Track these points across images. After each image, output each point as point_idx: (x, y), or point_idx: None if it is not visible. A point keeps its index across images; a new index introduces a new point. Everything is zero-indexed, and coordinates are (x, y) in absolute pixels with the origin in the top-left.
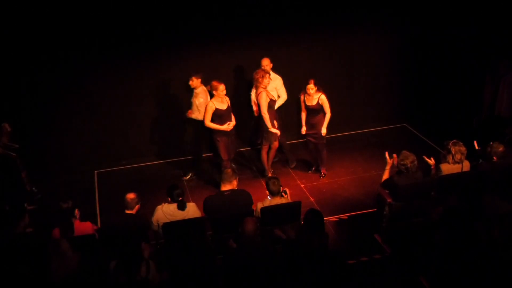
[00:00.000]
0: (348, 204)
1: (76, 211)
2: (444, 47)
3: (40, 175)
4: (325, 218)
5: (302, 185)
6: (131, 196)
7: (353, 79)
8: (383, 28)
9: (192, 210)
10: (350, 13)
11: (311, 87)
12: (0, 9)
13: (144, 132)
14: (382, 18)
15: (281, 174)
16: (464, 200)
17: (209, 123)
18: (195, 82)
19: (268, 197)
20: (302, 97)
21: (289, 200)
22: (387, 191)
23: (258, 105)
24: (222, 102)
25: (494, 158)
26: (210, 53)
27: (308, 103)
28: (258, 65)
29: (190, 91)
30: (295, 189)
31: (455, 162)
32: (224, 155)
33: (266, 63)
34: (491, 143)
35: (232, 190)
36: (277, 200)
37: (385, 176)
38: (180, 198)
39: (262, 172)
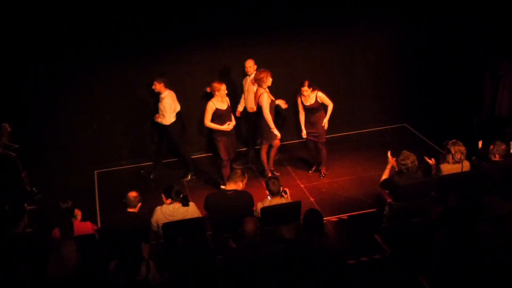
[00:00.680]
0: (348, 204)
1: (76, 211)
2: (444, 47)
3: (40, 175)
4: (325, 218)
5: (302, 185)
6: (133, 194)
7: (353, 79)
8: (383, 28)
9: (192, 210)
10: (350, 13)
11: (305, 89)
12: (1, 9)
13: (144, 132)
14: (382, 18)
15: (281, 174)
16: (464, 200)
17: (209, 123)
18: (158, 86)
19: (268, 197)
20: (299, 99)
21: (289, 200)
22: (387, 191)
23: (259, 106)
24: (222, 102)
25: (497, 156)
26: (210, 53)
27: (306, 103)
28: (258, 65)
29: (193, 92)
30: (295, 189)
31: (455, 162)
32: (224, 155)
33: (250, 64)
34: (492, 144)
35: (235, 191)
36: (277, 200)
37: (385, 175)
38: (181, 195)
39: (262, 172)
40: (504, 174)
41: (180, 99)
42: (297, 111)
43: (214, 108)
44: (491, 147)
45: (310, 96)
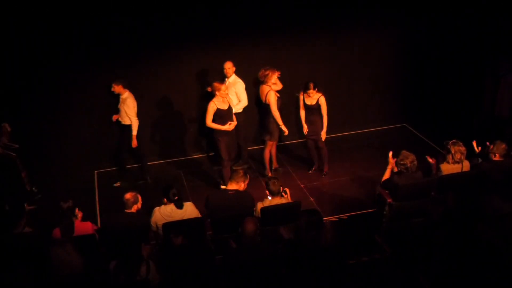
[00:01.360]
0: (348, 204)
1: (77, 210)
2: (444, 47)
3: (40, 175)
4: (325, 218)
5: (302, 185)
6: (129, 195)
7: (353, 80)
8: (383, 28)
9: (190, 209)
10: (350, 13)
11: (311, 92)
12: (1, 9)
13: (144, 132)
14: (382, 18)
15: (281, 174)
16: (464, 200)
17: (210, 123)
18: (116, 88)
19: (268, 197)
20: (301, 96)
21: (289, 200)
22: (387, 191)
23: (267, 104)
24: (223, 102)
25: (497, 155)
26: (210, 53)
27: (308, 102)
28: (259, 66)
29: (191, 92)
30: (295, 189)
31: (454, 162)
32: (224, 154)
33: (229, 66)
34: (492, 144)
35: (236, 191)
36: (277, 200)
37: (386, 176)
38: (176, 198)
39: (263, 171)
40: (504, 174)
41: (180, 99)
42: (297, 110)
43: (216, 109)
44: (491, 146)
45: (314, 96)
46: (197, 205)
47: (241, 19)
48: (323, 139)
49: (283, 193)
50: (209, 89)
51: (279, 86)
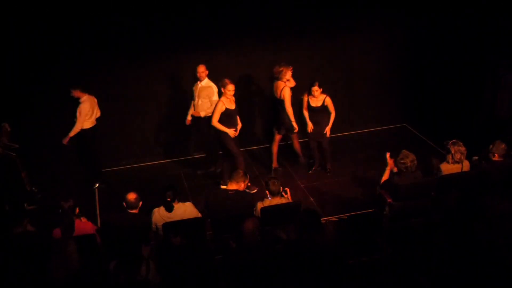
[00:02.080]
0: (348, 204)
1: (77, 210)
2: (444, 47)
3: (40, 175)
4: (325, 218)
5: (302, 185)
6: (132, 196)
7: (353, 79)
8: (382, 28)
9: (190, 209)
10: (350, 13)
11: (316, 89)
12: (1, 9)
13: (144, 132)
14: (382, 18)
15: (281, 174)
16: (464, 200)
17: (216, 123)
18: (74, 93)
19: (268, 197)
20: (305, 98)
21: (290, 199)
22: (387, 191)
23: (281, 99)
24: (231, 102)
25: (496, 156)
26: (211, 53)
27: (313, 104)
28: (258, 65)
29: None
30: (295, 189)
31: (454, 162)
32: (236, 150)
33: (202, 69)
34: (492, 144)
35: (236, 191)
36: (277, 200)
37: (385, 177)
38: (168, 199)
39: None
40: (503, 174)
41: (180, 99)
42: (300, 110)
43: (224, 109)
44: (491, 146)
45: (319, 98)
46: (197, 205)
47: (242, 19)
48: (328, 135)
49: (283, 193)
50: (217, 84)
51: (292, 83)
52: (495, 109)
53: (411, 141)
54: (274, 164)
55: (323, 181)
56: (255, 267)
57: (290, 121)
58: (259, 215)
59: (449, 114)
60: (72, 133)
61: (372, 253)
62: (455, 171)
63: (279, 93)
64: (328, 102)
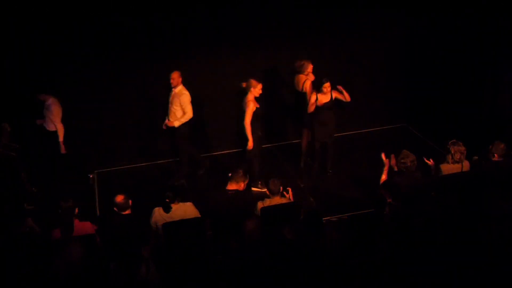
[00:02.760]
0: (348, 204)
1: (77, 210)
2: (444, 46)
3: (40, 175)
4: (325, 218)
5: (302, 185)
6: (120, 198)
7: (353, 79)
8: (382, 28)
9: (190, 210)
10: (350, 13)
11: (328, 85)
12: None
13: (144, 132)
14: (382, 18)
15: (281, 174)
16: (464, 200)
17: (249, 125)
18: (42, 97)
19: (269, 196)
20: (314, 96)
21: (291, 199)
22: (387, 191)
23: (304, 92)
24: (257, 101)
25: (495, 156)
26: (211, 54)
27: (324, 100)
28: (259, 66)
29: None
30: (295, 189)
31: (454, 162)
32: (257, 150)
33: (174, 76)
34: (491, 144)
35: (236, 191)
36: (277, 200)
37: (384, 177)
38: (167, 200)
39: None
40: (503, 174)
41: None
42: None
43: (255, 108)
44: (490, 146)
45: (328, 94)
46: (197, 206)
47: (241, 20)
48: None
49: (284, 193)
50: (243, 84)
51: (311, 77)
52: (495, 109)
53: (411, 141)
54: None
55: (323, 181)
56: (255, 267)
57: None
58: (259, 215)
59: (449, 114)
60: (61, 137)
61: (372, 253)
62: (455, 171)
63: (301, 86)
64: (337, 94)
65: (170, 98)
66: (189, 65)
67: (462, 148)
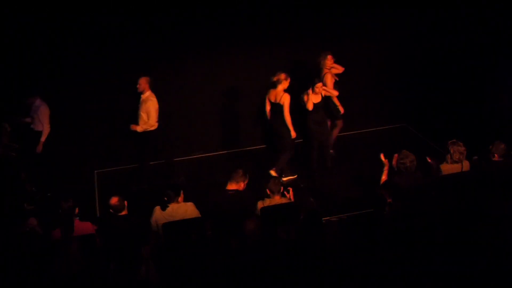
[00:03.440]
0: (348, 204)
1: (77, 210)
2: (444, 46)
3: (40, 175)
4: (325, 218)
5: (302, 185)
6: (114, 200)
7: (353, 79)
8: (382, 28)
9: (191, 209)
10: (350, 13)
11: (321, 85)
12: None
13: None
14: (382, 18)
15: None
16: (464, 200)
17: (289, 116)
18: (30, 100)
19: (269, 196)
20: (306, 98)
21: (292, 199)
22: (388, 191)
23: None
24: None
25: (495, 156)
26: (211, 55)
27: (315, 101)
28: (259, 66)
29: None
30: (295, 189)
31: (453, 162)
32: (293, 146)
33: (141, 81)
34: (492, 144)
35: (236, 191)
36: (277, 200)
37: (384, 177)
38: (165, 199)
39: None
40: (503, 174)
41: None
42: (301, 111)
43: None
44: (490, 147)
45: (318, 94)
46: (197, 206)
47: (241, 20)
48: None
49: (285, 193)
50: (274, 78)
51: (339, 69)
52: (495, 109)
53: (411, 141)
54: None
55: (323, 181)
56: (256, 267)
57: (335, 105)
58: (259, 214)
59: (449, 114)
60: (44, 138)
61: (372, 253)
62: (455, 171)
63: (323, 80)
64: (325, 91)
65: (139, 104)
66: (189, 66)
67: (462, 148)
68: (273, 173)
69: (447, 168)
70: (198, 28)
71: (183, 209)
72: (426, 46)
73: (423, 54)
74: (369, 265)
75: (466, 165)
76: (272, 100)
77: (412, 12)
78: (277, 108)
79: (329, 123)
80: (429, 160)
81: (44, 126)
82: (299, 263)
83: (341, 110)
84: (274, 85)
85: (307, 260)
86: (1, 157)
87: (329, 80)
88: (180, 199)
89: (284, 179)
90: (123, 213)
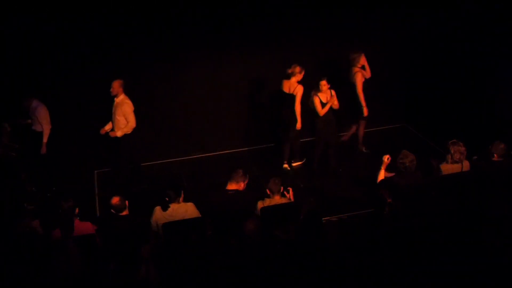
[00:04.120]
0: (348, 204)
1: (77, 210)
2: (444, 46)
3: (40, 175)
4: (325, 218)
5: (302, 185)
6: (116, 199)
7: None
8: (382, 28)
9: (191, 210)
10: (349, 12)
11: (324, 83)
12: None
13: (144, 132)
14: (382, 18)
15: (281, 174)
16: (464, 200)
17: (300, 107)
18: (26, 102)
19: (269, 196)
20: (317, 98)
21: (292, 199)
22: (388, 191)
23: (353, 84)
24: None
25: (495, 156)
26: (211, 55)
27: (323, 100)
28: (259, 66)
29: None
30: (295, 189)
31: (453, 162)
32: (298, 136)
33: (114, 85)
34: (491, 144)
35: (236, 191)
36: (277, 200)
37: (380, 176)
38: (166, 199)
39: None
40: (503, 174)
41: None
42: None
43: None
44: (490, 147)
45: (327, 92)
46: (197, 206)
47: (241, 19)
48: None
49: (285, 192)
50: (289, 70)
51: (368, 72)
52: (495, 109)
53: (411, 141)
54: (361, 147)
55: (323, 181)
56: (256, 267)
57: (361, 105)
58: (259, 214)
59: (449, 114)
60: (45, 139)
61: (372, 253)
62: (455, 171)
63: (352, 78)
64: (334, 95)
65: (113, 108)
66: (189, 66)
67: (462, 148)
68: (295, 164)
69: (447, 168)
70: (198, 28)
71: (183, 209)
72: (426, 46)
73: (423, 54)
74: (369, 265)
75: (466, 165)
76: (286, 91)
77: (412, 12)
78: (290, 98)
79: (354, 126)
80: (433, 163)
81: (43, 126)
82: (299, 263)
83: (365, 111)
84: (288, 77)
85: (307, 260)
86: (1, 157)
87: (359, 79)
88: (180, 199)
89: (294, 164)
90: (124, 213)
